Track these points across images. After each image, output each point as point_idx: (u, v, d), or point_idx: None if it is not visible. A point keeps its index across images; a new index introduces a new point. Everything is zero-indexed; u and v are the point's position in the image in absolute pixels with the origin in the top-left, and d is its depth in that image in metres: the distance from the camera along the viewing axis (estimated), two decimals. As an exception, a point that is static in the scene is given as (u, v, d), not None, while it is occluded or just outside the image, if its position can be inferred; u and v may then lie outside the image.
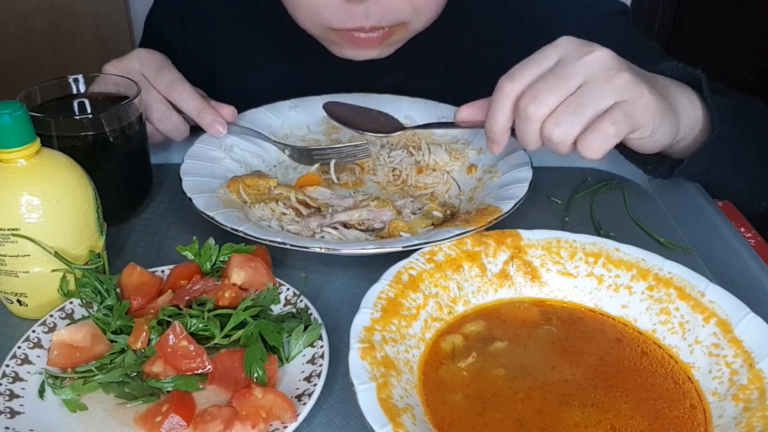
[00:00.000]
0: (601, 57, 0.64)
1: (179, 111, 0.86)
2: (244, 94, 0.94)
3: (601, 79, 0.63)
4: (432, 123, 0.86)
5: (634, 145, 0.71)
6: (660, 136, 0.69)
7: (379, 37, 0.88)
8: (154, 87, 0.84)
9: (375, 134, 0.84)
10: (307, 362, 0.59)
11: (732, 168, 0.80)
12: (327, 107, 0.86)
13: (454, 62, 1.04)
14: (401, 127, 0.84)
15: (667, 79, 0.74)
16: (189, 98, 0.84)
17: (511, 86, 0.66)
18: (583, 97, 0.62)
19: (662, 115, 0.67)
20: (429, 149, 0.90)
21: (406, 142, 0.93)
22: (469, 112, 0.74)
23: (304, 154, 0.90)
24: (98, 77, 0.82)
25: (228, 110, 0.87)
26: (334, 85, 0.99)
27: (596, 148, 0.63)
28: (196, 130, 0.88)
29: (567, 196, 0.89)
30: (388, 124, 0.85)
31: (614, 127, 0.62)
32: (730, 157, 0.78)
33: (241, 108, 0.91)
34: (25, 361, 0.59)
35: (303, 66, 1.04)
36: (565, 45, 0.65)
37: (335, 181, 0.87)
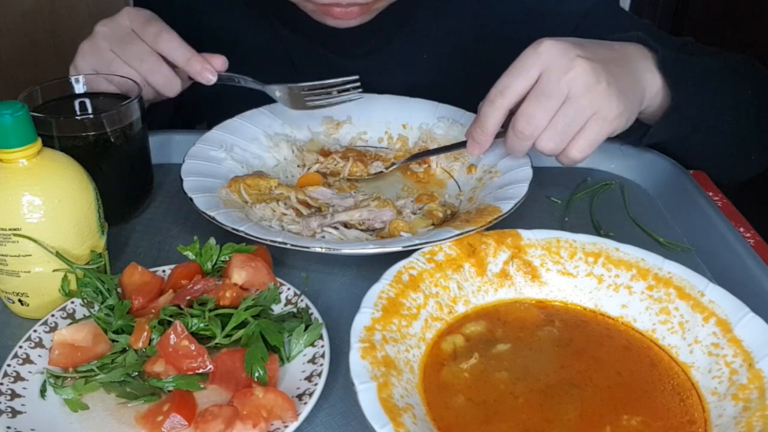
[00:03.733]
0: (582, 71, 0.71)
1: (171, 65, 0.83)
2: (229, 55, 0.94)
3: (582, 94, 0.72)
4: (440, 148, 0.88)
5: None
6: (627, 121, 0.77)
7: (358, 11, 0.88)
8: (143, 39, 0.83)
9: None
10: (308, 362, 0.59)
11: (707, 131, 0.85)
12: None
13: (440, 45, 1.04)
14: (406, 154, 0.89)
15: (631, 47, 0.80)
16: (177, 47, 0.82)
17: (501, 101, 0.74)
18: (569, 116, 0.73)
19: (631, 108, 0.76)
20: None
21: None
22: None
23: (295, 93, 0.88)
24: (99, 77, 0.82)
25: (219, 60, 0.85)
26: (314, 56, 1.02)
27: (575, 159, 0.75)
28: (196, 129, 0.88)
29: (567, 196, 0.89)
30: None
31: (580, 155, 0.75)
32: (700, 122, 0.83)
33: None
34: (27, 360, 0.59)
35: (287, 33, 1.04)
36: (546, 55, 0.72)
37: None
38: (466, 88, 0.93)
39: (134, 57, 0.82)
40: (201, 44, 0.96)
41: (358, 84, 0.89)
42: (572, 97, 0.72)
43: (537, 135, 0.73)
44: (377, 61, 1.02)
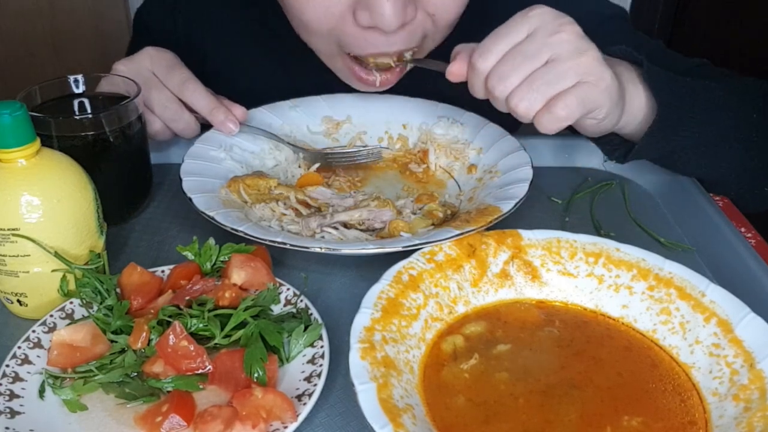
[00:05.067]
0: (569, 37, 0.66)
1: (190, 109, 0.86)
2: (232, 92, 0.94)
3: (567, 58, 0.65)
4: (425, 59, 0.84)
5: (582, 125, 0.74)
6: (608, 121, 0.72)
7: (395, 76, 0.86)
8: (166, 86, 0.84)
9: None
10: (308, 362, 0.59)
11: (702, 152, 0.80)
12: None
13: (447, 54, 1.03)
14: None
15: (616, 60, 0.76)
16: (201, 97, 0.84)
17: (483, 65, 0.68)
18: (548, 76, 0.65)
19: (617, 100, 0.70)
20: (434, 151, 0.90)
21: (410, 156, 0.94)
22: (459, 67, 0.72)
23: (318, 158, 0.90)
24: (98, 77, 0.82)
25: (240, 110, 0.88)
26: (322, 88, 0.98)
27: (548, 127, 0.67)
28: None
29: (567, 196, 0.89)
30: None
31: (565, 112, 0.66)
32: (693, 141, 0.78)
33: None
34: (25, 361, 0.59)
35: (292, 69, 1.03)
36: (537, 18, 0.67)
37: (340, 185, 0.88)
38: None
39: (157, 103, 0.84)
40: (203, 69, 0.96)
41: (379, 152, 0.92)
42: (556, 59, 0.65)
43: (507, 94, 0.67)
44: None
